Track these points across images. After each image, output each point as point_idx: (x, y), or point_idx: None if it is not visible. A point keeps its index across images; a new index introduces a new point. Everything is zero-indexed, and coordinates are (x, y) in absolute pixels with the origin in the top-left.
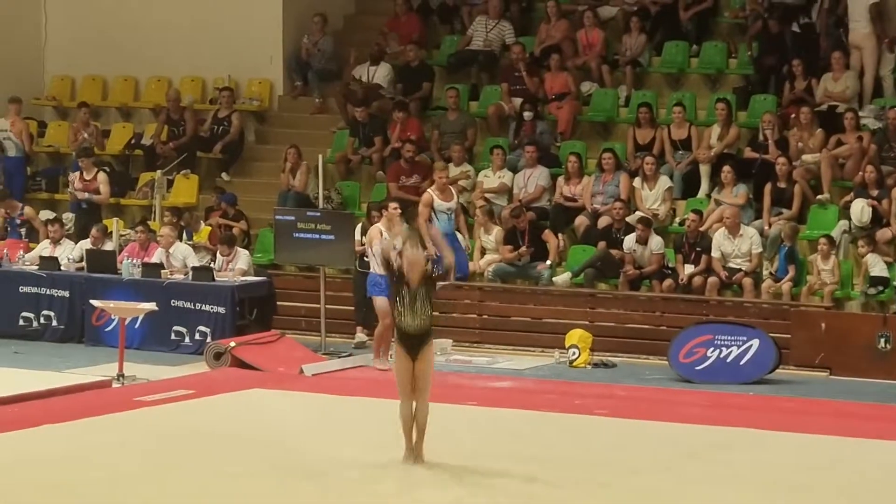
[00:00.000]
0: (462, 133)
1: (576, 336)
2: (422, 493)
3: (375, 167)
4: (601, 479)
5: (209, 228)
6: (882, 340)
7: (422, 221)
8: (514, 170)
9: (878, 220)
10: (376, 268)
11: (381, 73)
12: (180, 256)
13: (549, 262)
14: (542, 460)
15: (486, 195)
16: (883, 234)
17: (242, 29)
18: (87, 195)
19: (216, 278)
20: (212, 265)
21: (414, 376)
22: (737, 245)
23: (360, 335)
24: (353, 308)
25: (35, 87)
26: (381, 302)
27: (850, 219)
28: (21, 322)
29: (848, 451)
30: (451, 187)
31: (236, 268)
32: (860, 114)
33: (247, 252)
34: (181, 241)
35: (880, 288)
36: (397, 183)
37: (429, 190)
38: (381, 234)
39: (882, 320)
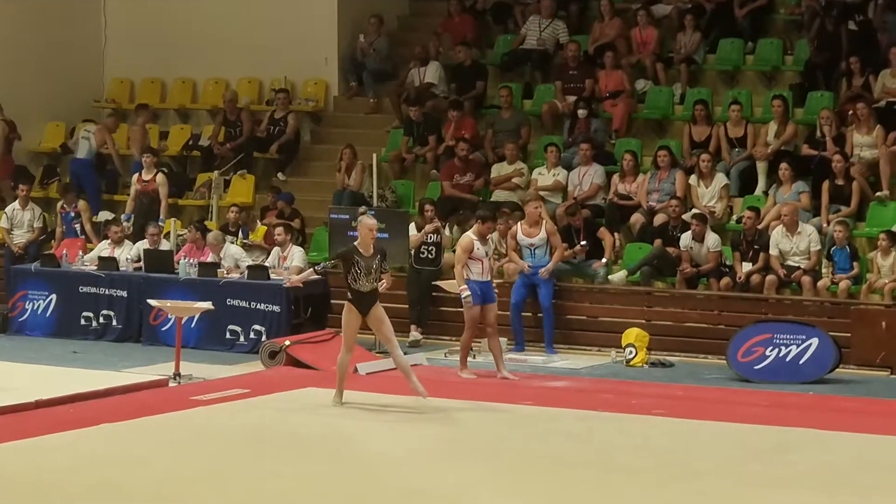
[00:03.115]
0: (516, 131)
1: (632, 335)
2: (479, 492)
3: (429, 166)
4: (661, 480)
5: (265, 228)
6: None
7: (458, 268)
8: (569, 168)
9: None
10: (475, 276)
11: (430, 73)
12: (231, 258)
13: (604, 260)
14: (600, 462)
15: (541, 193)
16: None
17: (298, 30)
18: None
19: (271, 277)
20: (268, 264)
21: (378, 328)
22: (795, 243)
23: (415, 333)
24: (407, 306)
25: (95, 90)
26: (473, 311)
27: None
28: (82, 322)
29: None
30: (543, 219)
31: (294, 265)
32: None
33: (301, 249)
34: (237, 239)
35: None
36: (451, 181)
37: (469, 233)
38: (475, 246)
39: None
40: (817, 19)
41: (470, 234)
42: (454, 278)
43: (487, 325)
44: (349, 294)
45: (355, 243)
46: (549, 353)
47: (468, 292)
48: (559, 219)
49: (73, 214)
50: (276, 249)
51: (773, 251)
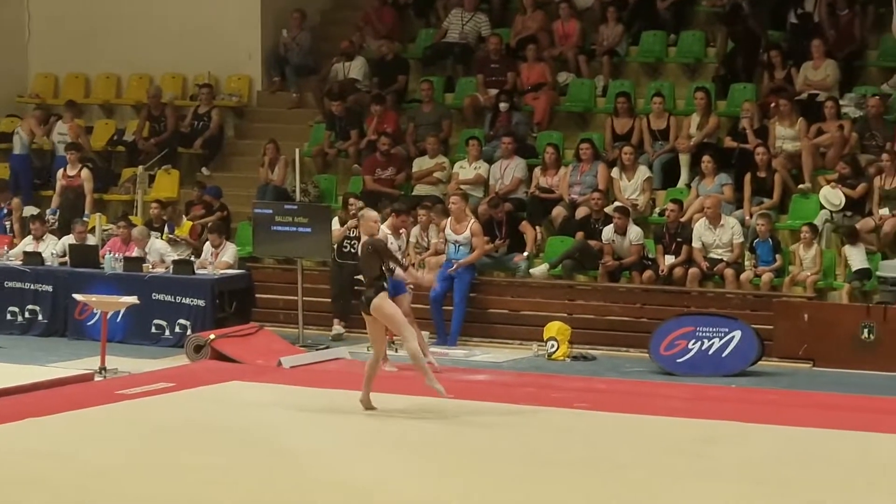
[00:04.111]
0: (437, 125)
1: (554, 328)
2: (399, 484)
3: (352, 160)
4: (584, 473)
5: (190, 223)
6: (866, 331)
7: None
8: (490, 161)
9: (854, 206)
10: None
11: (355, 67)
12: (156, 252)
13: (526, 254)
14: (522, 455)
15: (462, 186)
16: (865, 223)
17: (221, 26)
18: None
19: (196, 271)
20: (192, 259)
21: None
22: (718, 235)
23: (338, 327)
24: (330, 300)
25: (19, 85)
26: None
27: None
28: (7, 317)
29: (832, 444)
30: (467, 217)
31: (221, 260)
32: (841, 102)
33: (234, 246)
34: (163, 234)
35: (864, 280)
36: (373, 176)
37: (382, 227)
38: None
39: (866, 310)
40: (739, 12)
41: (383, 228)
42: None
43: (403, 314)
44: (384, 284)
45: (366, 237)
46: (451, 347)
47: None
48: (481, 215)
49: (5, 211)
50: (207, 245)
51: (695, 244)
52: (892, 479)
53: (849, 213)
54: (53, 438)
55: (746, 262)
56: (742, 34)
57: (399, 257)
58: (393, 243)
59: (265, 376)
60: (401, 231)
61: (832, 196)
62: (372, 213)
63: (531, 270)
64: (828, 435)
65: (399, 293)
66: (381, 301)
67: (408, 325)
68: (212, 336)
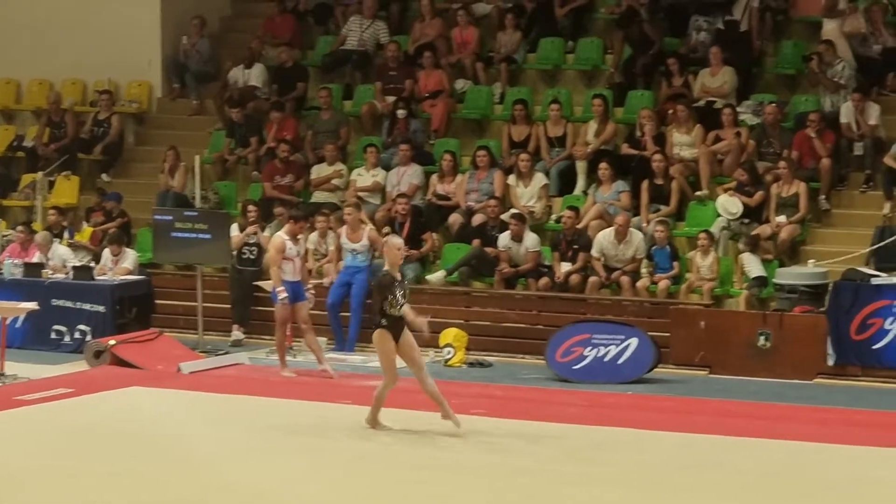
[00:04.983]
0: (335, 132)
1: (451, 335)
2: (296, 489)
3: (251, 167)
4: (479, 479)
5: (91, 229)
6: (762, 338)
7: (275, 270)
8: (388, 168)
9: (752, 214)
10: (287, 276)
11: (255, 75)
12: (59, 258)
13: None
14: (419, 461)
15: (360, 193)
16: (762, 230)
17: (121, 32)
18: None
19: (96, 277)
20: (92, 265)
21: (409, 354)
22: (622, 251)
23: (237, 333)
24: (229, 306)
25: None
26: (284, 311)
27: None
28: None
29: (728, 450)
30: (363, 226)
31: (121, 266)
32: (738, 109)
33: (134, 252)
34: (62, 240)
35: (760, 287)
36: (272, 182)
37: (280, 233)
38: (287, 246)
39: (762, 318)
40: (636, 19)
41: (281, 234)
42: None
43: (301, 322)
44: (383, 321)
45: (386, 268)
46: (349, 353)
47: (285, 294)
48: (378, 221)
49: None
50: (107, 251)
51: (595, 253)
52: (787, 485)
53: (746, 221)
54: None
55: (643, 270)
56: (639, 40)
57: (399, 297)
58: (292, 248)
59: (165, 382)
60: (298, 237)
61: (730, 204)
62: (396, 241)
63: (428, 277)
64: (723, 442)
65: (298, 300)
66: (377, 336)
67: (391, 372)
68: (111, 342)
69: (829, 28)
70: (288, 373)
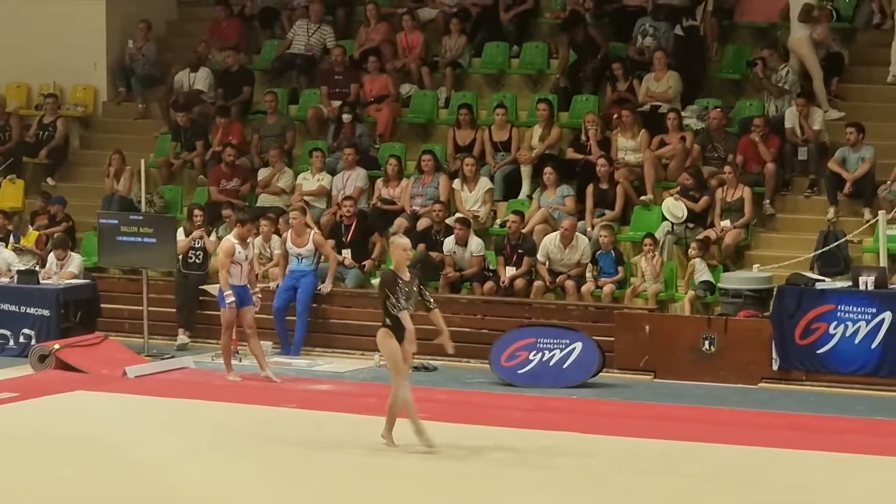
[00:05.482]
0: (281, 136)
1: None
2: (240, 493)
3: (197, 171)
4: (425, 483)
5: (36, 233)
6: (706, 343)
7: (223, 273)
8: (333, 172)
9: (696, 218)
10: (235, 280)
11: (201, 79)
12: (3, 262)
13: (364, 264)
14: (363, 464)
15: (305, 198)
16: (707, 235)
17: (66, 36)
18: None
19: (41, 281)
20: (38, 268)
21: (406, 359)
22: (567, 255)
23: (182, 337)
24: (175, 310)
25: None
26: (230, 315)
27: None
28: None
29: (675, 455)
30: (309, 230)
31: (67, 270)
32: (683, 114)
33: (80, 256)
34: (7, 244)
35: (707, 292)
36: (218, 186)
37: (229, 237)
38: (236, 250)
39: (706, 322)
40: (581, 23)
41: (231, 238)
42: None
43: (246, 326)
44: (387, 320)
45: (391, 267)
46: (294, 357)
47: (232, 298)
48: (323, 226)
49: None
50: (52, 255)
51: (541, 258)
52: (730, 489)
53: (691, 226)
54: None
55: (588, 274)
56: (584, 45)
57: (401, 299)
58: (241, 253)
59: (110, 386)
60: (247, 241)
61: (675, 208)
62: (402, 241)
63: (374, 281)
64: (670, 446)
65: (245, 304)
66: (380, 335)
67: (401, 375)
68: (56, 346)
69: (801, 35)
70: (233, 377)
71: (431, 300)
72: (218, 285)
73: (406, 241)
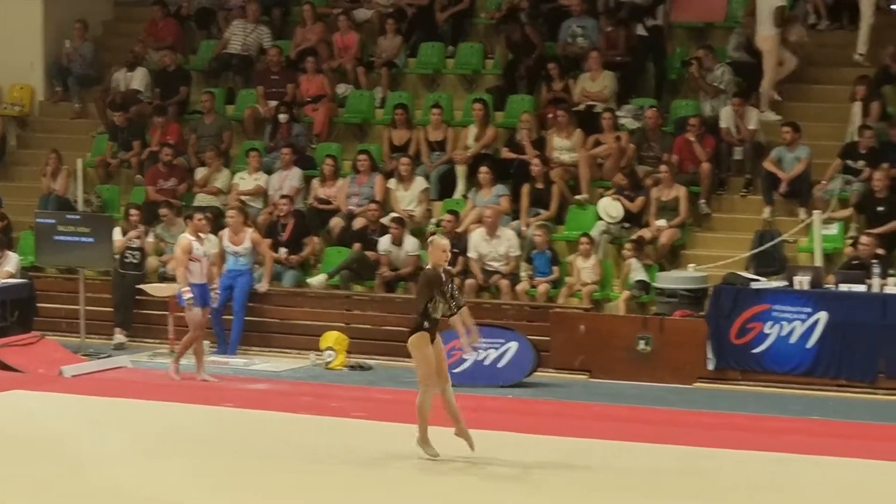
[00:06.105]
0: (218, 136)
1: (332, 338)
2: (177, 491)
3: (134, 171)
4: (357, 482)
5: None
6: (642, 342)
7: (181, 271)
8: (270, 172)
9: (632, 218)
10: (195, 278)
11: (138, 78)
12: None
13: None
14: (300, 463)
15: (242, 197)
16: (643, 234)
17: (3, 35)
18: None
19: None
20: None
21: (438, 364)
22: (494, 247)
23: (119, 336)
24: (112, 309)
25: None
26: (195, 314)
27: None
28: None
29: (612, 454)
30: (246, 228)
31: (3, 270)
32: (618, 113)
33: (16, 256)
34: None
35: (642, 291)
36: (155, 186)
37: (185, 234)
38: (193, 246)
39: (642, 322)
40: (516, 24)
41: (186, 235)
42: (157, 282)
43: (200, 327)
44: (425, 323)
45: (429, 266)
46: (231, 356)
47: (190, 294)
48: (260, 225)
49: None
50: None
51: (471, 254)
52: (669, 488)
53: (626, 225)
54: None
55: (523, 273)
56: (520, 45)
57: (445, 299)
58: (199, 249)
59: (47, 385)
60: (202, 236)
61: (611, 208)
62: (443, 242)
63: (309, 280)
64: (606, 446)
65: (207, 304)
66: (417, 340)
67: (431, 380)
68: None
69: (769, 34)
70: (174, 375)
71: (460, 303)
72: (156, 284)
73: (446, 242)
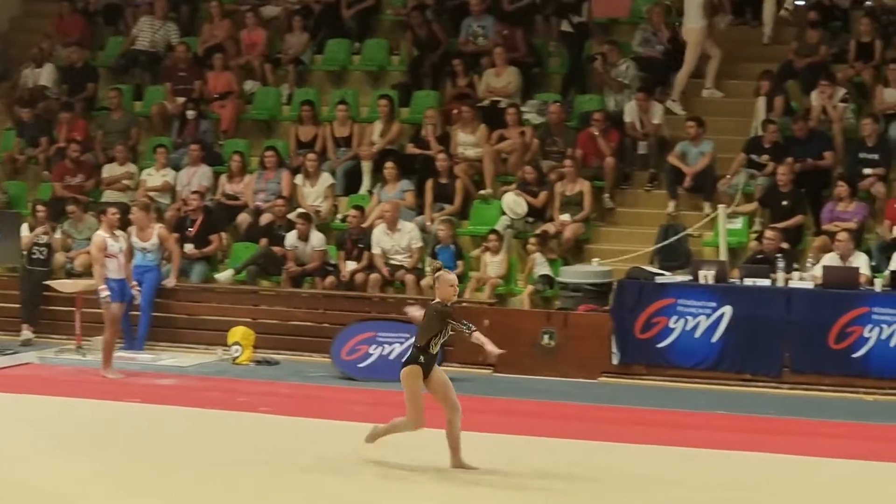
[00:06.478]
0: (126, 132)
1: (238, 333)
2: (89, 487)
3: (41, 167)
4: (266, 476)
5: None
6: (546, 337)
7: (97, 268)
8: (178, 168)
9: (536, 213)
10: (112, 274)
11: (45, 75)
12: None
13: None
14: (207, 458)
15: (150, 193)
16: (547, 229)
17: None
18: None
19: None
20: None
21: (443, 392)
22: (396, 240)
23: (26, 332)
24: (19, 306)
25: None
26: (113, 310)
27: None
28: None
29: (512, 449)
30: (153, 224)
31: None
32: (522, 109)
33: None
34: None
35: (546, 286)
36: (62, 182)
37: (99, 232)
38: (108, 242)
39: (546, 317)
40: (422, 20)
41: (101, 232)
42: (64, 278)
43: (115, 320)
44: (420, 357)
45: (437, 300)
46: (139, 351)
47: (107, 291)
48: (168, 221)
49: None
50: None
51: (375, 249)
52: (575, 483)
53: (531, 220)
54: None
55: (427, 268)
56: (426, 41)
57: (466, 322)
58: (114, 245)
59: None
60: (116, 233)
61: (516, 205)
62: (450, 277)
63: (216, 276)
64: (510, 440)
65: (126, 299)
66: (409, 373)
67: (419, 416)
68: None
69: (697, 26)
70: (112, 374)
71: (471, 326)
72: (64, 281)
73: (453, 277)
